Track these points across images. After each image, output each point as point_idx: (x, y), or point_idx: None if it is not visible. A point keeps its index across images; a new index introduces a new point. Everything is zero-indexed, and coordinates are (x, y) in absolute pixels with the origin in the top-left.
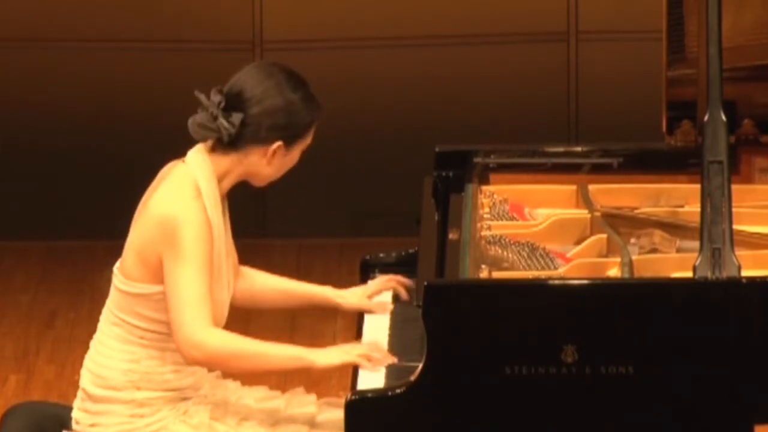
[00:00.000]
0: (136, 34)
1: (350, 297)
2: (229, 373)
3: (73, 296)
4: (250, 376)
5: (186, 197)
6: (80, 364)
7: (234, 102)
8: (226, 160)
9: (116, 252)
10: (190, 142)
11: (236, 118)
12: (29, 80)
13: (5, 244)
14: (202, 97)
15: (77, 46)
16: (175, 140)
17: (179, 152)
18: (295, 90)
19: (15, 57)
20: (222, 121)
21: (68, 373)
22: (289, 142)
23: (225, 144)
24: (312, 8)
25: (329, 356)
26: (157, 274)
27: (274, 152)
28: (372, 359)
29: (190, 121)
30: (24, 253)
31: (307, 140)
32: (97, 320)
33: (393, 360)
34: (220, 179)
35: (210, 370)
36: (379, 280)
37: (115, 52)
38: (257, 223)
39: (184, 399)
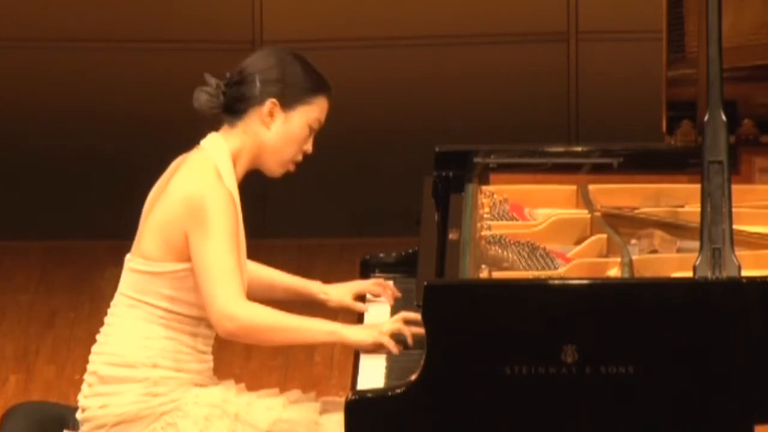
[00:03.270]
0: (137, 34)
1: (334, 294)
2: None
3: (73, 296)
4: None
5: (209, 177)
6: (80, 365)
7: (236, 75)
8: (235, 137)
9: (117, 252)
10: (191, 142)
11: (233, 81)
12: (29, 80)
13: (5, 244)
14: (208, 76)
15: (77, 46)
16: (175, 140)
17: (179, 151)
18: (296, 59)
19: (15, 57)
20: (220, 84)
21: (68, 373)
22: (285, 102)
23: (226, 113)
24: (312, 8)
25: (362, 333)
26: (181, 253)
27: (270, 112)
28: (403, 331)
29: (196, 90)
30: (24, 253)
31: (312, 113)
32: (97, 320)
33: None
34: (234, 161)
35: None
36: (369, 282)
37: (115, 52)
38: (257, 223)
39: (197, 385)
